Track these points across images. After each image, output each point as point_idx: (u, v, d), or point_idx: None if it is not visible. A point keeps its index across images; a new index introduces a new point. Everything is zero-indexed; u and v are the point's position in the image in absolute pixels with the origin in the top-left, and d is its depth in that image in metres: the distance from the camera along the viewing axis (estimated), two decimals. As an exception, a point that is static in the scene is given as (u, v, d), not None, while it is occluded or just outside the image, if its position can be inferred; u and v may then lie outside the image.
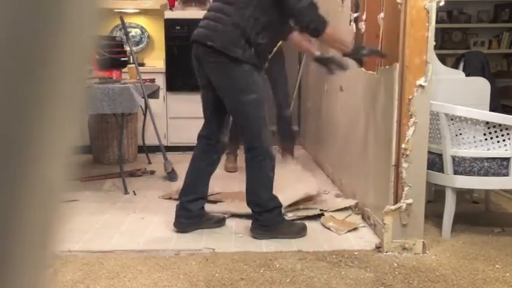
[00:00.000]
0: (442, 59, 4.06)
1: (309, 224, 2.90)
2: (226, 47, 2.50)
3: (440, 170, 2.71)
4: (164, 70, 5.02)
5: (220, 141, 2.79)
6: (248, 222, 2.79)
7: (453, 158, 2.67)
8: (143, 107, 4.41)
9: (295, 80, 5.27)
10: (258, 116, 2.60)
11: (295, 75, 5.29)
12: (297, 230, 2.73)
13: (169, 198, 3.40)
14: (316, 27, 2.51)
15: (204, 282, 2.15)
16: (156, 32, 5.45)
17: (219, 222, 2.89)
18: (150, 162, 4.58)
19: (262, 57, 2.62)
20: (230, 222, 2.92)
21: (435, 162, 2.74)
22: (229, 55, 2.51)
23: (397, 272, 2.28)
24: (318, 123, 4.56)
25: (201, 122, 5.25)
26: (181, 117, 5.06)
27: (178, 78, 5.00)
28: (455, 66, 4.38)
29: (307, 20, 2.50)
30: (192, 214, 2.78)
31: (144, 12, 5.43)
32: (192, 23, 4.94)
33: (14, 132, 0.29)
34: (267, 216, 2.69)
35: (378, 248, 2.53)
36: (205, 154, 2.81)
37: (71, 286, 2.13)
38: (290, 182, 3.22)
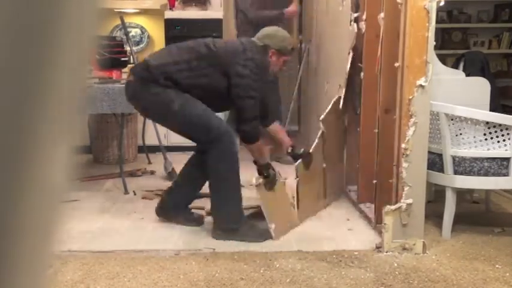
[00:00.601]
0: (442, 59, 4.05)
1: (309, 225, 2.90)
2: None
3: (441, 170, 2.71)
4: (164, 70, 5.01)
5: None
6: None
7: (453, 158, 2.67)
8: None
9: (295, 80, 5.27)
10: (194, 116, 2.64)
11: (295, 76, 5.29)
12: (260, 234, 2.64)
13: (150, 199, 3.37)
14: (245, 136, 2.67)
15: (204, 282, 2.15)
16: (156, 32, 5.44)
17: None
18: (150, 162, 4.58)
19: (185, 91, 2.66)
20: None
21: (435, 162, 2.74)
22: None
23: (397, 272, 2.28)
24: (318, 124, 4.56)
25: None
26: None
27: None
28: (455, 66, 4.38)
29: (241, 127, 2.64)
30: None
31: (144, 12, 5.43)
32: (192, 23, 4.96)
33: (14, 132, 0.29)
34: (229, 213, 2.68)
35: (378, 248, 2.53)
36: None
37: (71, 286, 2.13)
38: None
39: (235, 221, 2.65)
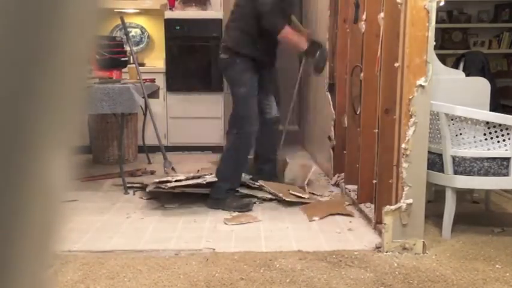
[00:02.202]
0: (442, 59, 4.06)
1: (309, 225, 2.90)
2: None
3: (441, 170, 2.71)
4: (164, 70, 5.02)
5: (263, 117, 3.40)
6: (246, 225, 2.79)
7: (453, 158, 2.67)
8: (143, 107, 4.41)
9: (295, 80, 5.26)
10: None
11: (295, 76, 5.28)
12: (242, 205, 3.16)
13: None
14: (276, 27, 3.12)
15: (204, 282, 2.15)
16: (156, 32, 5.45)
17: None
18: (150, 162, 4.58)
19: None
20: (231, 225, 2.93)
21: (435, 162, 2.74)
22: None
23: (397, 272, 2.27)
24: (318, 124, 4.56)
25: (201, 121, 5.24)
26: (181, 117, 5.06)
27: (178, 78, 5.00)
28: (455, 66, 4.38)
29: (270, 24, 3.12)
30: (264, 172, 3.56)
31: (144, 12, 5.43)
32: (192, 23, 4.96)
33: (14, 132, 0.29)
34: (219, 187, 3.18)
35: (378, 248, 2.53)
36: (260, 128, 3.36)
37: (71, 286, 2.13)
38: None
39: (225, 195, 3.17)
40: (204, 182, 3.20)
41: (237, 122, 3.24)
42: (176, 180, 3.15)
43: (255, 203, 3.25)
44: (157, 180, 3.19)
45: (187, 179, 3.21)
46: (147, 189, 3.28)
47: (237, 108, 3.26)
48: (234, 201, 3.18)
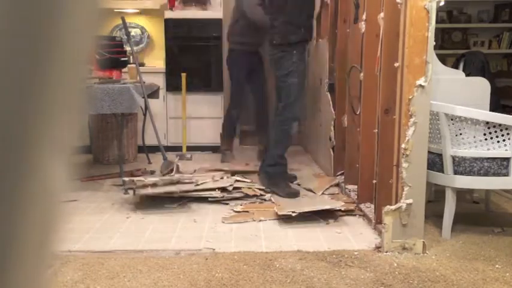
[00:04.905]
0: (442, 59, 4.06)
1: (309, 225, 2.90)
2: None
3: (440, 170, 2.71)
4: (164, 70, 5.02)
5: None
6: (246, 225, 2.78)
7: (453, 158, 2.67)
8: (143, 107, 4.41)
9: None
10: None
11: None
12: (290, 192, 3.36)
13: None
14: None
15: (204, 282, 2.15)
16: (156, 32, 5.44)
17: (291, 179, 3.70)
18: (150, 162, 4.58)
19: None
20: (231, 224, 2.92)
21: (435, 162, 2.74)
22: None
23: (397, 272, 2.27)
24: (318, 123, 4.56)
25: (201, 121, 5.23)
26: (181, 117, 5.06)
27: (178, 78, 5.00)
28: (455, 66, 4.38)
29: None
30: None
31: (144, 12, 5.43)
32: (192, 23, 4.96)
33: (14, 133, 0.29)
34: (273, 169, 3.45)
35: (378, 248, 2.53)
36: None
37: (71, 286, 2.13)
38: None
39: (279, 176, 3.46)
40: (178, 192, 3.21)
41: (288, 108, 3.49)
42: (153, 184, 3.16)
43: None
44: (134, 179, 3.23)
45: (164, 184, 3.22)
46: (123, 188, 3.35)
47: (290, 95, 3.52)
48: (287, 187, 3.44)
